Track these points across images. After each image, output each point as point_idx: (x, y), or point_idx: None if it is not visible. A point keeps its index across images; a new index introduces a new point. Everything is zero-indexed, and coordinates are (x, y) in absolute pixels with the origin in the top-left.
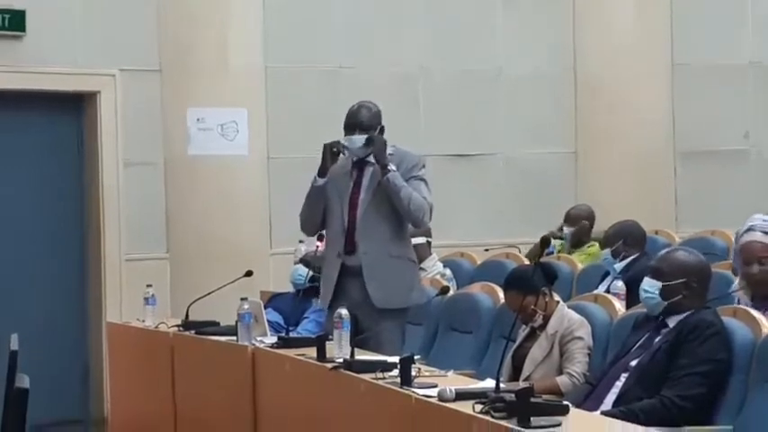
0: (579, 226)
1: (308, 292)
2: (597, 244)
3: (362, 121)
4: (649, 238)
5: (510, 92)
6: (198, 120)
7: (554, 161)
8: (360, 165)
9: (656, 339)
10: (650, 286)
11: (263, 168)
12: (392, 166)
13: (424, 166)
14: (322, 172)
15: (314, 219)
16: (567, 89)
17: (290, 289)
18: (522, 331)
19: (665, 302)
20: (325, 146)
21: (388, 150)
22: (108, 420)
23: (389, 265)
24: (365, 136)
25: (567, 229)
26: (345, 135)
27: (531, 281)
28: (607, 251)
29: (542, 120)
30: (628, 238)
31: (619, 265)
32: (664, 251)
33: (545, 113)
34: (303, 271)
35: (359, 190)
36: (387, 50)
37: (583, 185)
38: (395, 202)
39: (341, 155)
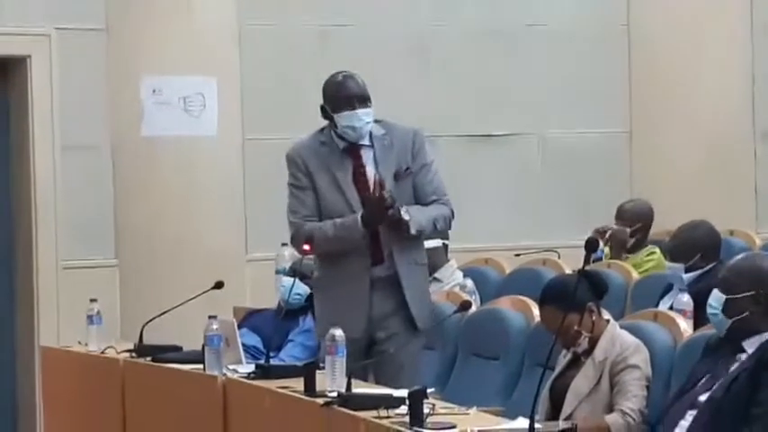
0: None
1: (293, 309)
2: (658, 250)
3: (359, 92)
4: (723, 241)
5: (546, 56)
6: (154, 91)
7: (603, 143)
8: (351, 150)
9: (732, 367)
10: (715, 300)
11: (236, 153)
12: (405, 214)
13: (427, 144)
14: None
15: (340, 250)
16: (618, 52)
17: (271, 304)
18: (564, 357)
19: (730, 320)
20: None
21: (378, 129)
22: None
23: (419, 277)
24: (369, 110)
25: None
26: (342, 113)
27: (574, 295)
28: (679, 266)
29: (587, 91)
30: (705, 249)
31: (687, 277)
32: (737, 258)
33: (591, 83)
34: (301, 289)
35: (365, 181)
36: (390, 4)
37: (639, 173)
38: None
39: (324, 136)
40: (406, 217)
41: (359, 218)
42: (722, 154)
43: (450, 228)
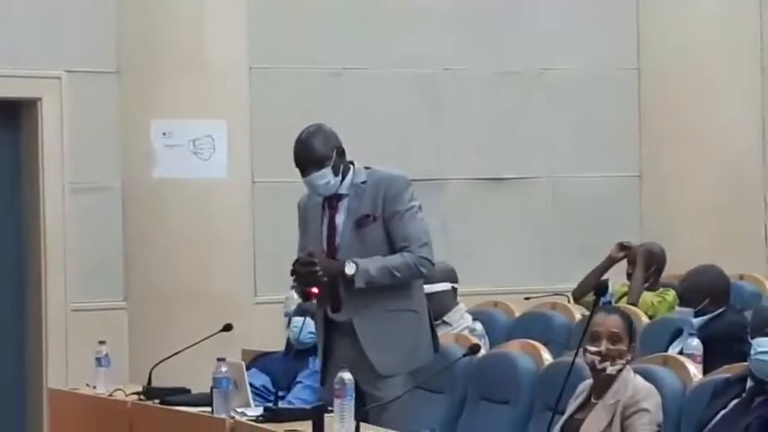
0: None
1: (303, 350)
2: (673, 291)
3: (311, 158)
4: (733, 286)
5: (556, 99)
6: (164, 134)
7: (613, 187)
8: (330, 198)
9: (748, 411)
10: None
11: (245, 195)
12: (348, 268)
13: (411, 191)
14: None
15: None
16: (628, 95)
17: (280, 347)
18: (574, 401)
19: None
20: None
21: (360, 176)
22: None
23: (388, 322)
24: (324, 170)
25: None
26: (303, 177)
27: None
28: (688, 311)
29: (598, 134)
30: (714, 294)
31: (697, 321)
32: None
33: (601, 126)
34: (311, 325)
35: (334, 231)
36: (402, 47)
37: (649, 217)
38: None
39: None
40: (349, 272)
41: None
42: (732, 198)
43: (421, 276)
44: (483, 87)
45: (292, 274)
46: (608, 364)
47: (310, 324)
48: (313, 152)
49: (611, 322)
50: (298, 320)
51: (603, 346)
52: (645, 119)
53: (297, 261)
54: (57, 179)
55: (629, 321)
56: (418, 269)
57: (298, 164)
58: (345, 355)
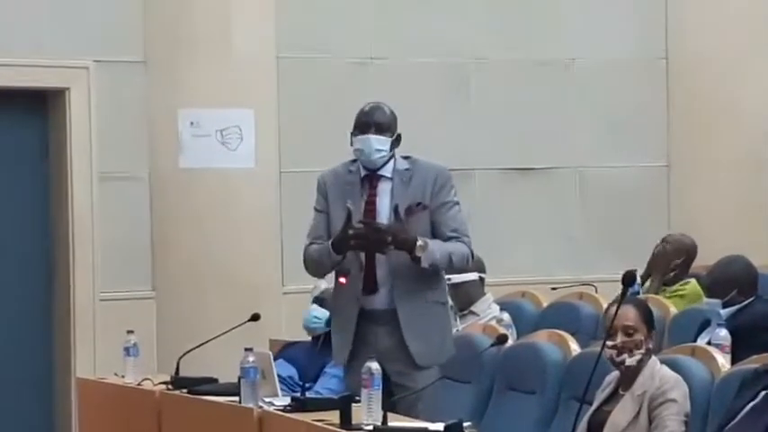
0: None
1: (329, 341)
2: (694, 281)
3: (379, 121)
4: (761, 276)
5: (585, 88)
6: (192, 124)
7: (641, 177)
8: (371, 179)
9: None
10: None
11: (273, 185)
12: (419, 244)
13: (453, 185)
14: (339, 247)
15: (323, 273)
16: (656, 85)
17: (308, 337)
18: (601, 392)
19: None
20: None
21: (403, 163)
22: None
23: (427, 313)
24: (383, 137)
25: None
26: (357, 136)
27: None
28: (716, 302)
29: (626, 125)
30: (742, 284)
31: (725, 312)
32: None
33: (629, 116)
34: (320, 312)
35: (374, 211)
36: (429, 37)
37: (677, 207)
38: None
39: (353, 165)
40: (419, 253)
41: (329, 242)
42: (761, 188)
43: (465, 268)
44: (510, 77)
45: (350, 239)
46: (626, 356)
47: (317, 309)
48: (382, 116)
49: (623, 315)
50: (318, 311)
51: (619, 339)
52: (673, 108)
53: (363, 224)
54: (85, 169)
55: (645, 311)
56: (466, 261)
57: (361, 120)
58: (381, 344)
